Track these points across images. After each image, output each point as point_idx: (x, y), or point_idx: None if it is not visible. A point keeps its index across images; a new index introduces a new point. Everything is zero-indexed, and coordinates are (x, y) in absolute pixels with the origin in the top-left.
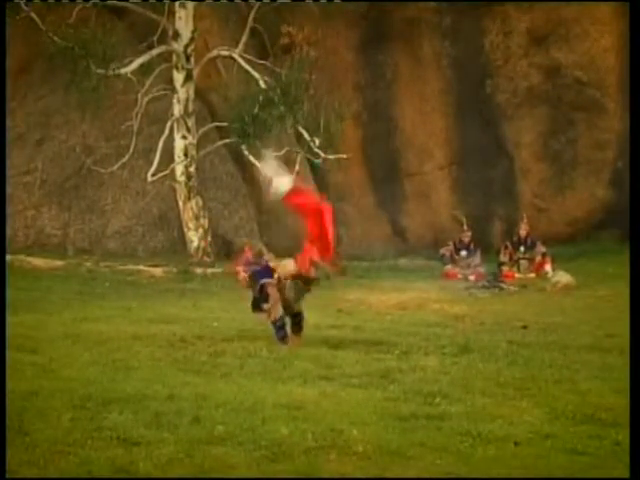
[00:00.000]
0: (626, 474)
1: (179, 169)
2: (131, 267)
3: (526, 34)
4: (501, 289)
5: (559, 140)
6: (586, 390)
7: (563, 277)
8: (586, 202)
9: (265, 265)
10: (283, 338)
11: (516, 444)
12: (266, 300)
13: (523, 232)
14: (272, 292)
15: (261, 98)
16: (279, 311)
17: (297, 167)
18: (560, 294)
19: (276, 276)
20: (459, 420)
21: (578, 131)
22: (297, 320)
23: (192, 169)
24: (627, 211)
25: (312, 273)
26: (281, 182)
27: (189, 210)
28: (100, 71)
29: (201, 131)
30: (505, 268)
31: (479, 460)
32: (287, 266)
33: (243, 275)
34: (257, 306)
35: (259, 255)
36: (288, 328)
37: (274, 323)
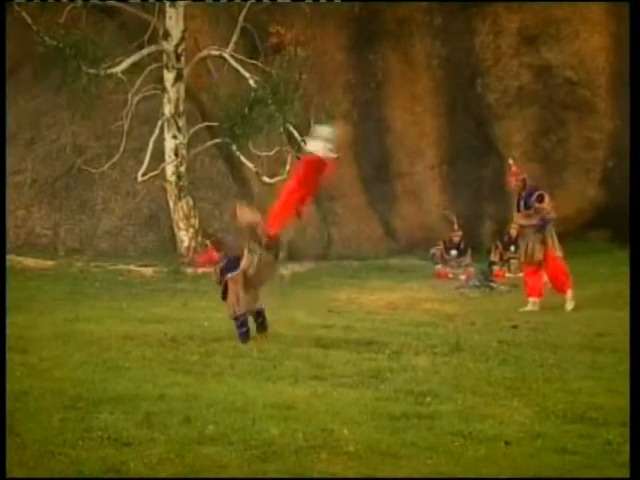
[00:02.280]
0: (616, 473)
1: (169, 169)
2: (122, 267)
3: (516, 34)
4: (492, 289)
5: (549, 140)
6: (577, 389)
7: None
8: (576, 202)
9: (233, 257)
10: (244, 335)
11: (507, 443)
12: (226, 297)
13: (514, 232)
14: (232, 287)
15: (251, 97)
16: (240, 307)
17: (288, 167)
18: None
19: (242, 263)
20: (450, 420)
21: (568, 131)
22: (260, 320)
23: (182, 169)
24: (617, 211)
25: (275, 233)
26: (314, 144)
27: (180, 210)
28: (91, 71)
29: (192, 131)
30: (496, 268)
31: (470, 460)
32: (246, 214)
33: (216, 271)
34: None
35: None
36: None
37: (235, 319)
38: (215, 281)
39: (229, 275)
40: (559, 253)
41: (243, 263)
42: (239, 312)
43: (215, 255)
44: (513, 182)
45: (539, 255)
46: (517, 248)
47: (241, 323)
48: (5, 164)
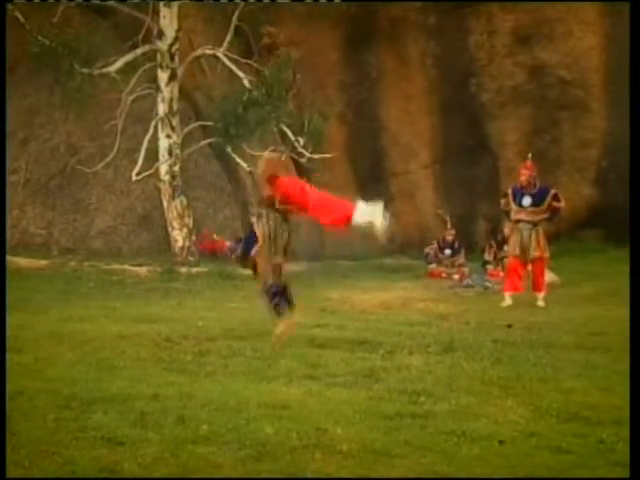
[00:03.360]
0: (610, 472)
1: (163, 168)
2: (116, 266)
3: (510, 33)
4: (486, 288)
5: (543, 139)
6: (570, 388)
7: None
8: (570, 201)
9: (248, 236)
10: (277, 306)
11: (501, 443)
12: (256, 271)
13: (507, 231)
14: (259, 262)
15: (245, 97)
16: (268, 279)
17: None
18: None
19: (259, 237)
20: (444, 419)
21: (562, 130)
22: (286, 294)
23: (176, 168)
24: (611, 210)
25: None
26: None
27: (173, 209)
28: (84, 70)
29: (185, 130)
30: (490, 267)
31: (464, 459)
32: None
33: (227, 245)
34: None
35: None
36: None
37: (266, 292)
38: (241, 265)
39: (253, 251)
40: (547, 254)
41: (258, 232)
42: (268, 284)
43: (226, 244)
44: (526, 175)
45: (535, 253)
46: None
47: (272, 295)
48: (5, 164)
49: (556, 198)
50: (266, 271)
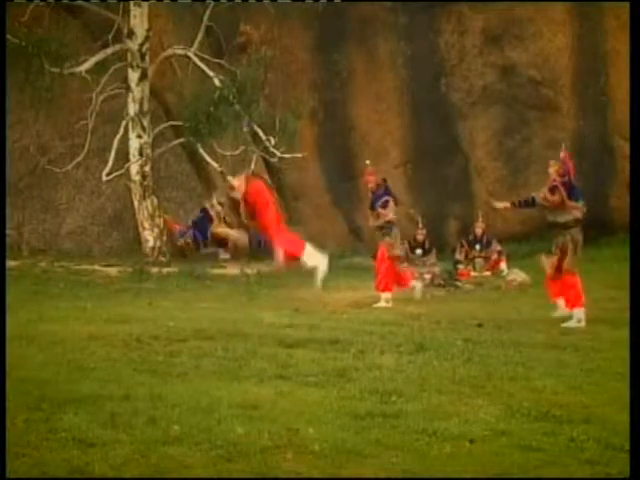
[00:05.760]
0: (580, 471)
1: (134, 168)
2: (86, 267)
3: (481, 33)
4: (457, 287)
5: (514, 139)
6: (541, 387)
7: (518, 275)
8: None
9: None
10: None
11: (471, 441)
12: (224, 244)
13: (479, 230)
14: (220, 233)
15: (216, 96)
16: (244, 238)
17: (252, 166)
18: (515, 292)
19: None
20: (415, 418)
21: (532, 130)
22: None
23: (147, 168)
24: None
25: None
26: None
27: (144, 209)
28: (54, 70)
29: (156, 130)
30: (461, 266)
31: (435, 458)
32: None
33: (184, 241)
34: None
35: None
36: None
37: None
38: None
39: (208, 232)
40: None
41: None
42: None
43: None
44: (371, 182)
45: (394, 251)
46: (482, 247)
47: (258, 241)
48: (5, 164)
49: (384, 204)
50: (236, 232)
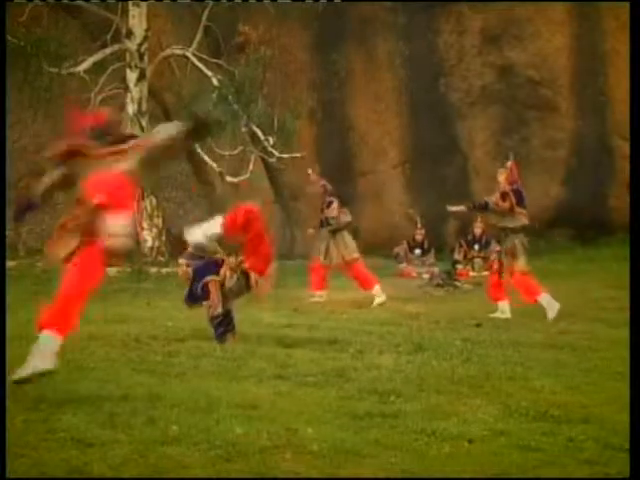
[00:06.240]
0: (579, 471)
1: None
2: None
3: (479, 33)
4: (455, 287)
5: (512, 139)
6: (539, 387)
7: None
8: (539, 200)
9: (211, 260)
10: (222, 335)
11: (470, 441)
12: (207, 297)
13: (478, 230)
14: (213, 289)
15: (214, 96)
16: (219, 308)
17: (251, 166)
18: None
19: (221, 272)
20: (414, 418)
21: (531, 130)
22: (229, 319)
23: None
24: (579, 209)
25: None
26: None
27: (143, 210)
28: (53, 70)
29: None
30: (459, 266)
31: (433, 458)
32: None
33: (185, 269)
34: (194, 300)
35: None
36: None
37: (214, 319)
38: (185, 280)
39: (209, 278)
40: (355, 255)
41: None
42: (216, 312)
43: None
44: (314, 189)
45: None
46: (481, 247)
47: (218, 324)
48: (5, 164)
49: (328, 205)
50: (217, 299)
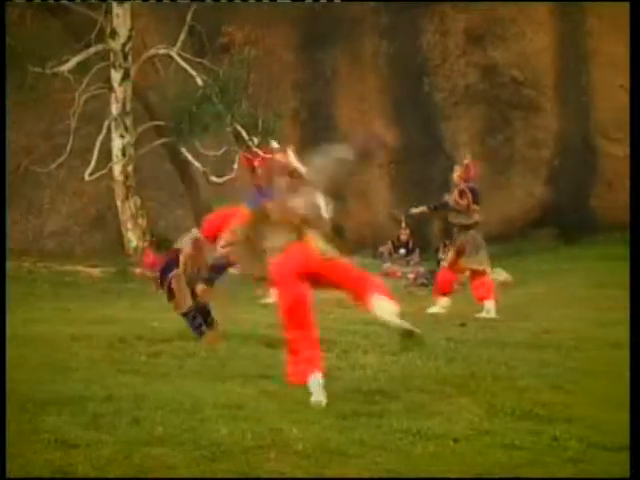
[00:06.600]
0: (563, 470)
1: (117, 168)
2: (69, 268)
3: (463, 33)
4: None
5: (496, 139)
6: (524, 386)
7: (501, 275)
8: (523, 200)
9: (172, 256)
10: (199, 328)
11: (455, 441)
12: (173, 296)
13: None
14: (176, 285)
15: (198, 95)
16: (187, 303)
17: (235, 166)
18: (498, 291)
19: (180, 262)
20: (398, 418)
21: (515, 130)
22: (204, 313)
23: (130, 168)
24: (563, 209)
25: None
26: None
27: (127, 210)
28: (37, 69)
29: (139, 130)
30: None
31: (418, 457)
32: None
33: (152, 276)
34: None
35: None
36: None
37: (185, 314)
38: (158, 288)
39: (171, 274)
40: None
41: (181, 257)
42: (186, 307)
43: (157, 260)
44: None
45: None
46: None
47: (192, 317)
48: (5, 164)
49: None
50: (184, 295)
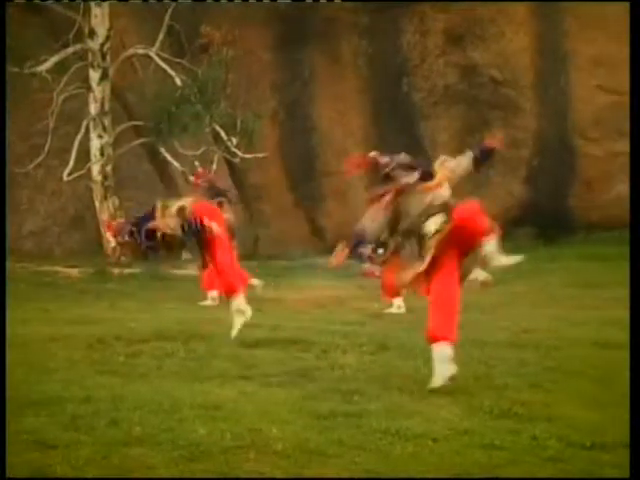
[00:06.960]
0: (542, 469)
1: (95, 169)
2: (47, 268)
3: (442, 33)
4: None
5: (475, 138)
6: (503, 385)
7: (480, 274)
8: (502, 200)
9: (147, 212)
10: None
11: (434, 440)
12: (156, 243)
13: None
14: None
15: (177, 95)
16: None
17: (214, 166)
18: (477, 291)
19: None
20: (377, 417)
21: (494, 129)
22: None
23: (109, 168)
24: (542, 208)
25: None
26: None
27: (106, 210)
28: (15, 69)
29: (117, 130)
30: None
31: (397, 457)
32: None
33: (124, 241)
34: (154, 250)
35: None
36: None
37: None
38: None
39: (150, 224)
40: None
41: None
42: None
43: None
44: (198, 184)
45: None
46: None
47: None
48: (5, 164)
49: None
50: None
